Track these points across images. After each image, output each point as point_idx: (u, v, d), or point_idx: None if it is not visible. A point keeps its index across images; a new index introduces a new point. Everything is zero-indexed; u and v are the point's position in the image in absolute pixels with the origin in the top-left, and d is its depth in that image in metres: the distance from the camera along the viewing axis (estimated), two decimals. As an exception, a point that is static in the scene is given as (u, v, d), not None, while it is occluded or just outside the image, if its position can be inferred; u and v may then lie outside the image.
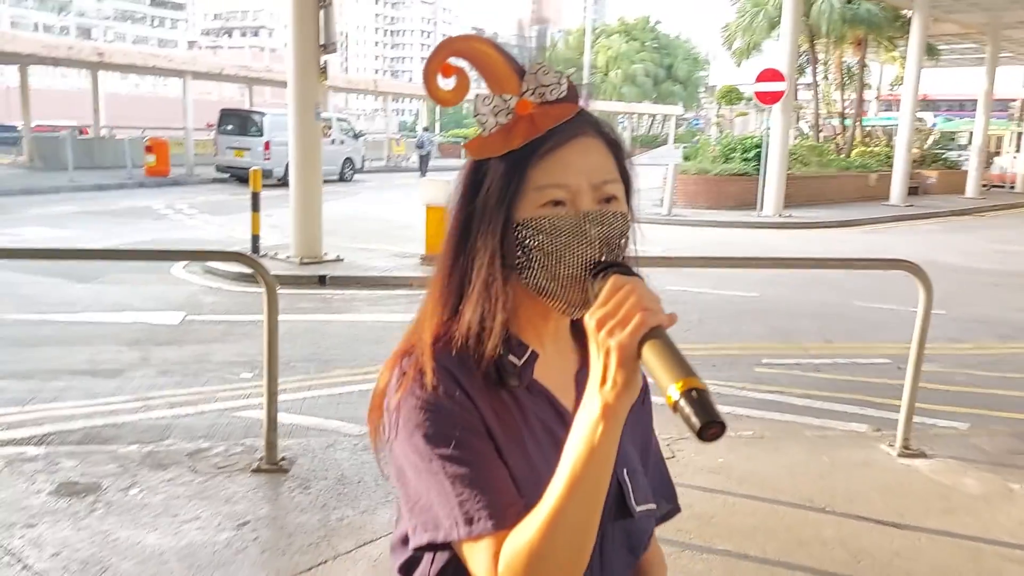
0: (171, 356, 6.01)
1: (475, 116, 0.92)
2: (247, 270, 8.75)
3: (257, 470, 3.84)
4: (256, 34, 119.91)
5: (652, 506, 1.00)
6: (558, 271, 0.89)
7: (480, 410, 0.89)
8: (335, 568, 3.02)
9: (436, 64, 0.92)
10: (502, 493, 0.85)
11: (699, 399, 0.72)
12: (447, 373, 0.89)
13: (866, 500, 3.76)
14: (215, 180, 21.56)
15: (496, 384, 0.91)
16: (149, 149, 21.10)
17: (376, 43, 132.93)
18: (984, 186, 25.54)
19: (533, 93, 0.91)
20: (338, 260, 9.78)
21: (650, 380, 0.79)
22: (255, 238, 9.89)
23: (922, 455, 4.30)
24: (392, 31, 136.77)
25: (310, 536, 3.24)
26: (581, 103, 0.94)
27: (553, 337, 0.98)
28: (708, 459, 4.16)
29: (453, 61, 0.93)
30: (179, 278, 9.03)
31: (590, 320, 0.79)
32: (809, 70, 25.91)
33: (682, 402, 0.72)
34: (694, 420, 0.71)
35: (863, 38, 24.80)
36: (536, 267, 0.90)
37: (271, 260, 9.30)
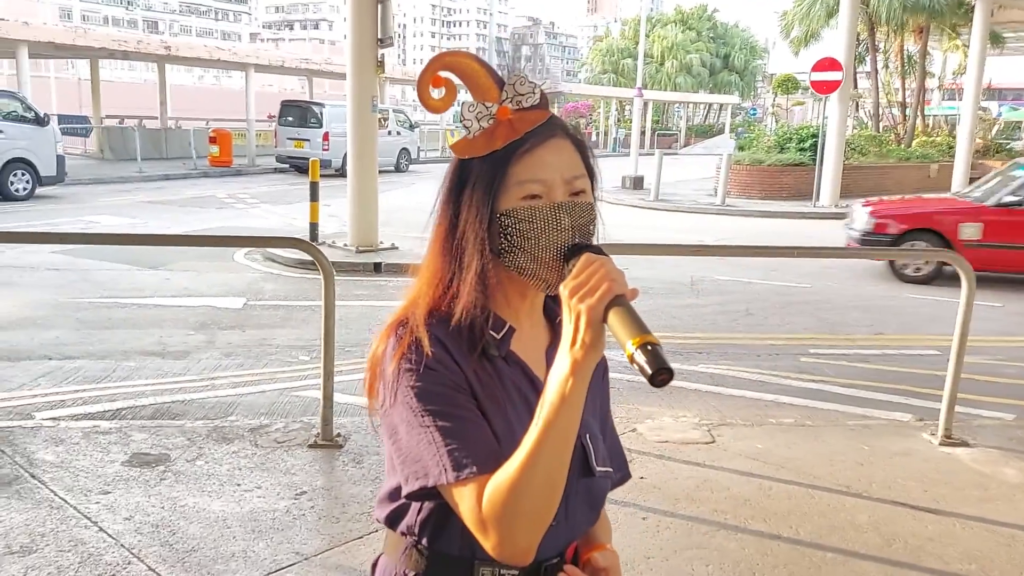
0: (235, 339, 6.31)
1: (461, 121, 1.06)
2: (306, 257, 9.07)
3: (314, 445, 4.07)
4: (316, 27, 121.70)
5: (609, 469, 1.15)
6: (537, 254, 1.03)
7: (466, 374, 1.02)
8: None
9: (428, 77, 1.07)
10: (484, 443, 0.98)
11: (652, 351, 0.87)
12: (437, 341, 1.02)
13: (903, 487, 3.82)
14: (276, 170, 22.11)
15: (478, 354, 1.05)
16: (213, 140, 21.73)
17: (432, 35, 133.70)
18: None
19: (511, 100, 1.05)
20: (393, 248, 10.04)
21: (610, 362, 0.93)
22: (313, 226, 10.20)
23: (964, 444, 4.32)
24: (448, 22, 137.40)
25: (362, 506, 3.45)
26: (552, 109, 1.08)
27: (528, 315, 1.12)
28: (747, 445, 4.26)
29: (443, 74, 1.07)
30: (241, 265, 9.39)
31: (564, 289, 0.93)
32: (868, 58, 25.34)
33: (637, 354, 0.87)
34: (647, 368, 0.86)
35: (925, 26, 24.14)
36: (517, 251, 1.03)
37: (329, 248, 9.60)
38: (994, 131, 28.11)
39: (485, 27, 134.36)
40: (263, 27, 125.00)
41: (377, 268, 9.32)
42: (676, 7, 61.13)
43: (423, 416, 1.00)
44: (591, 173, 1.09)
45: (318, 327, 6.59)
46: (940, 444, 4.34)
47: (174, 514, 3.33)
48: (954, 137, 22.56)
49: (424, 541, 1.08)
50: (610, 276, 0.92)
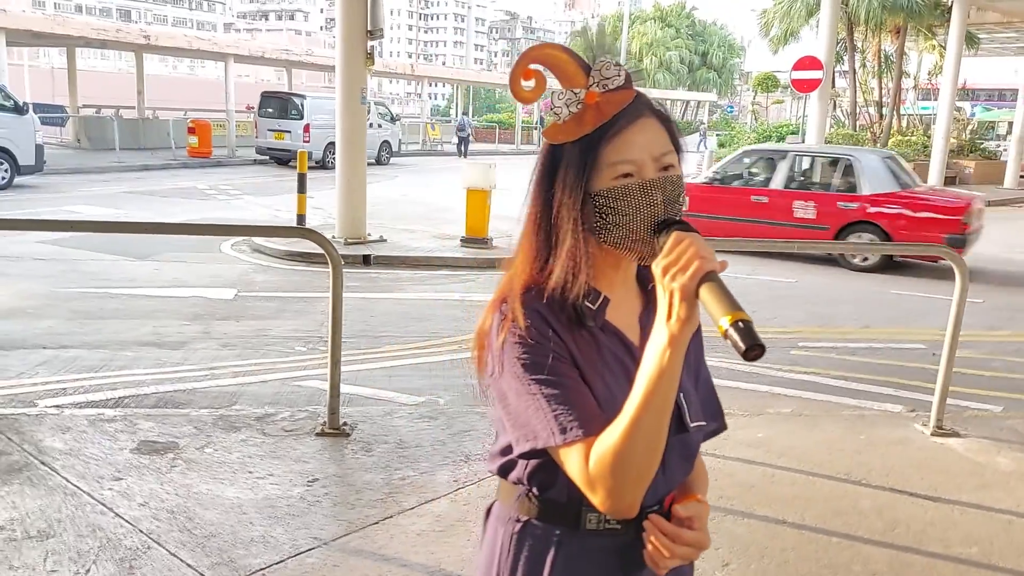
0: (230, 330, 6.30)
1: (551, 108, 1.11)
2: (295, 249, 9.08)
3: (321, 433, 4.09)
4: (292, 17, 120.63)
5: (703, 423, 1.22)
6: (632, 228, 1.08)
7: (566, 344, 1.09)
8: (401, 522, 3.26)
9: (520, 71, 1.13)
10: (588, 408, 1.06)
11: (745, 328, 0.93)
12: (538, 315, 1.09)
13: (901, 475, 3.93)
14: (256, 162, 21.96)
15: (576, 324, 1.11)
16: (192, 131, 21.52)
17: (410, 27, 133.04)
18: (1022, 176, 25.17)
19: (597, 84, 1.10)
20: (381, 240, 10.04)
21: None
22: (301, 218, 10.17)
23: (955, 435, 4.44)
24: (425, 15, 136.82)
25: (376, 493, 3.49)
26: (635, 87, 1.13)
27: (621, 284, 1.18)
28: (749, 434, 4.35)
29: (532, 66, 1.13)
30: (229, 256, 9.34)
31: (657, 268, 0.99)
32: (846, 58, 25.66)
33: (731, 330, 0.93)
34: (740, 344, 0.92)
35: (902, 26, 24.48)
36: (612, 227, 1.09)
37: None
38: (968, 131, 28.61)
39: (463, 20, 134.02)
40: (237, 17, 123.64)
41: (366, 260, 9.32)
42: (655, 4, 61.39)
43: (530, 384, 1.07)
44: (677, 146, 1.15)
45: (313, 319, 6.66)
46: (932, 434, 4.46)
47: (189, 500, 3.34)
48: (929, 136, 22.94)
49: (534, 490, 1.16)
50: (700, 254, 0.98)
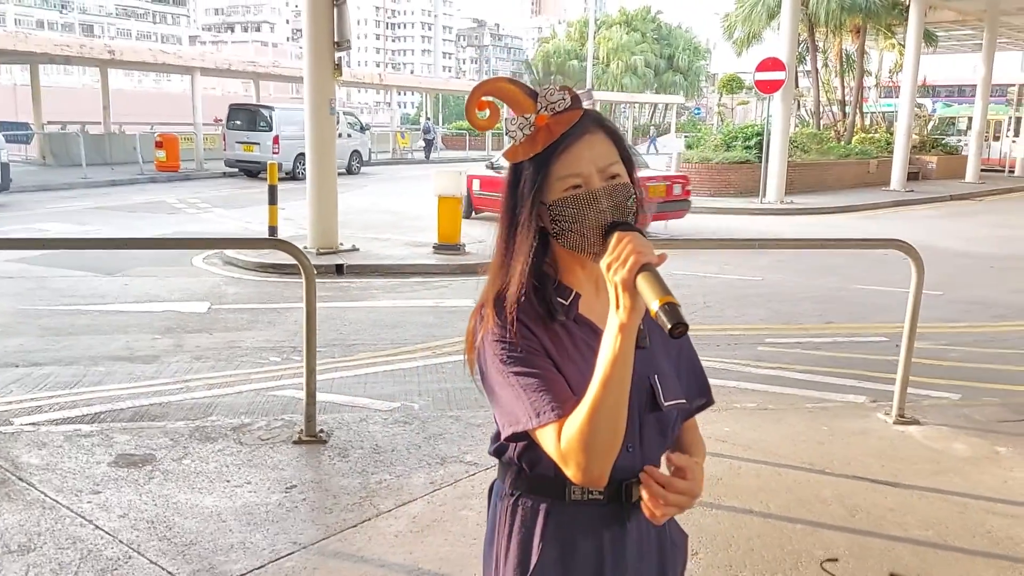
0: (203, 343, 6.32)
1: (507, 133, 1.25)
2: (266, 260, 9.11)
3: (298, 441, 4.15)
4: (258, 29, 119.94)
5: (681, 400, 1.33)
6: (584, 233, 1.22)
7: (539, 338, 1.23)
8: (379, 524, 3.33)
9: (473, 103, 1.29)
10: (560, 393, 1.19)
11: (671, 309, 1.05)
12: (512, 315, 1.22)
13: (862, 463, 4.07)
14: (224, 174, 21.85)
15: (550, 318, 1.25)
16: (159, 145, 21.37)
17: (377, 36, 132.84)
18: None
19: (545, 108, 1.24)
20: (354, 250, 10.08)
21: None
22: (272, 229, 10.19)
23: (915, 423, 4.60)
24: (392, 24, 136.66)
25: (353, 497, 3.55)
26: (585, 105, 1.26)
27: (591, 281, 1.30)
28: (716, 428, 4.47)
29: (485, 98, 1.28)
30: (200, 269, 9.34)
31: (602, 264, 1.13)
32: (809, 58, 26.10)
33: (660, 312, 1.06)
34: (667, 323, 1.05)
35: (862, 26, 24.97)
36: (568, 233, 1.23)
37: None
38: (930, 127, 29.21)
39: (430, 29, 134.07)
40: (203, 29, 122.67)
41: (339, 270, 9.35)
42: (620, 9, 61.94)
43: (509, 376, 1.21)
44: (625, 157, 1.28)
45: (285, 329, 6.70)
46: (894, 423, 4.61)
47: (168, 510, 3.39)
48: (892, 133, 23.40)
49: (525, 467, 1.31)
50: (636, 249, 1.10)
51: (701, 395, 1.43)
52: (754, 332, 6.93)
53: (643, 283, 1.08)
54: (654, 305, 1.06)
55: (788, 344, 6.55)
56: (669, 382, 1.32)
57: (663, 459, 1.31)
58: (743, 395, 5.21)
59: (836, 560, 3.15)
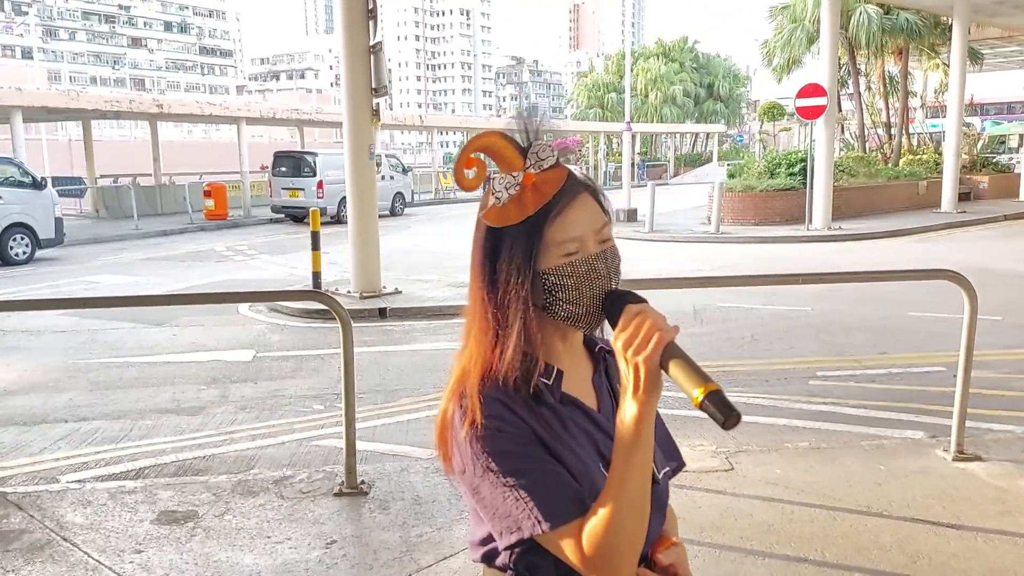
0: (247, 392, 6.36)
1: (492, 193, 1.13)
2: (312, 306, 9.18)
3: (339, 494, 4.11)
4: (303, 76, 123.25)
5: (668, 469, 1.25)
6: (581, 303, 1.11)
7: (531, 426, 1.10)
8: (419, 580, 3.26)
9: (463, 162, 1.16)
10: (566, 489, 1.07)
11: (718, 399, 0.97)
12: (498, 404, 1.10)
13: (922, 505, 3.88)
14: (271, 220, 22.28)
15: (536, 403, 1.13)
16: (207, 194, 21.91)
17: (418, 78, 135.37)
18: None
19: (534, 165, 1.13)
20: (396, 293, 10.13)
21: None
22: (316, 275, 10.29)
23: (977, 459, 4.39)
24: (433, 65, 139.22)
25: (393, 552, 3.49)
26: (568, 166, 1.16)
27: (570, 353, 1.20)
28: (766, 471, 4.32)
29: (474, 155, 1.16)
30: (247, 317, 9.46)
31: (617, 343, 1.03)
32: (851, 81, 25.78)
33: (706, 402, 0.97)
34: (719, 416, 0.97)
35: (904, 47, 24.63)
36: (563, 303, 1.12)
37: (332, 295, 9.68)
38: (979, 146, 28.55)
39: (470, 68, 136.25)
40: (249, 79, 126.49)
41: (382, 313, 9.40)
42: (658, 40, 62.09)
43: (504, 476, 1.08)
44: (608, 216, 1.18)
45: (329, 376, 6.71)
46: (954, 460, 4.40)
47: (208, 570, 3.36)
48: (940, 154, 22.89)
49: (524, 573, 1.16)
50: (657, 326, 1.02)
51: (674, 459, 1.32)
52: (804, 366, 6.73)
53: (676, 370, 1.00)
54: (696, 394, 0.97)
55: (841, 377, 6.35)
56: (657, 452, 1.22)
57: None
58: (794, 434, 5.04)
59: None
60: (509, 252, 1.12)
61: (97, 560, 3.44)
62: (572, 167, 1.19)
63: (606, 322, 1.13)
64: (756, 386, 6.09)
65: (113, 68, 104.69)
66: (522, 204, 1.12)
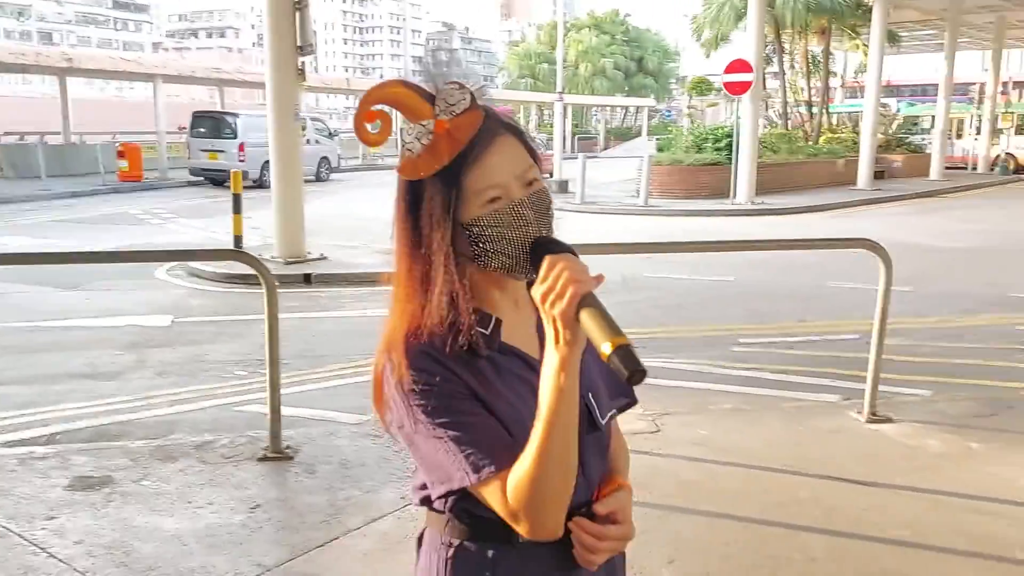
0: (166, 357, 6.15)
1: (403, 145, 1.07)
2: (232, 271, 8.93)
3: (263, 458, 4.02)
4: (223, 35, 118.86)
5: (614, 411, 1.23)
6: (509, 252, 1.07)
7: (463, 379, 1.07)
8: (347, 543, 3.22)
9: (362, 115, 1.10)
10: (496, 441, 1.06)
11: (625, 354, 0.93)
12: (427, 357, 1.07)
13: (838, 463, 4.03)
14: (189, 183, 21.52)
15: (471, 354, 1.09)
16: (121, 154, 20.98)
17: (345, 40, 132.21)
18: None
19: (444, 112, 1.07)
20: (322, 259, 9.93)
21: None
22: (237, 239, 10.00)
23: (888, 420, 4.58)
24: (361, 28, 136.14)
25: (320, 515, 3.44)
26: (481, 104, 1.09)
27: (511, 302, 1.16)
28: (691, 432, 4.42)
29: (375, 107, 1.09)
30: (164, 281, 9.14)
31: (536, 294, 0.99)
32: (776, 59, 26.31)
33: (613, 356, 0.93)
34: (623, 370, 0.93)
35: (827, 27, 25.24)
36: (490, 254, 1.08)
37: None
38: (894, 126, 29.58)
39: (399, 33, 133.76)
40: (166, 36, 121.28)
41: (307, 279, 9.21)
42: (589, 12, 62.12)
43: (435, 428, 1.07)
44: (535, 156, 1.14)
45: (251, 342, 6.55)
46: (867, 421, 4.59)
47: (126, 535, 3.25)
48: (858, 133, 23.65)
49: (461, 515, 1.15)
50: (574, 277, 0.97)
51: (624, 395, 1.28)
52: (729, 332, 6.90)
53: (588, 320, 0.95)
54: (605, 348, 0.93)
55: (762, 344, 6.53)
56: (602, 395, 1.20)
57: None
58: (718, 397, 5.16)
59: None
60: (429, 204, 1.08)
61: (5, 527, 3.29)
62: (490, 107, 1.13)
63: None
64: (683, 351, 6.21)
65: (18, 20, 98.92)
66: (436, 153, 1.06)
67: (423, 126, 1.07)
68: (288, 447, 4.13)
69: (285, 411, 4.33)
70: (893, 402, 4.93)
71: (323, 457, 4.06)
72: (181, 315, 7.56)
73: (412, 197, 1.10)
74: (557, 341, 0.98)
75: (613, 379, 1.24)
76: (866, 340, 5.37)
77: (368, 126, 1.11)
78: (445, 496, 1.11)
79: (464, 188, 1.07)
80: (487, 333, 1.12)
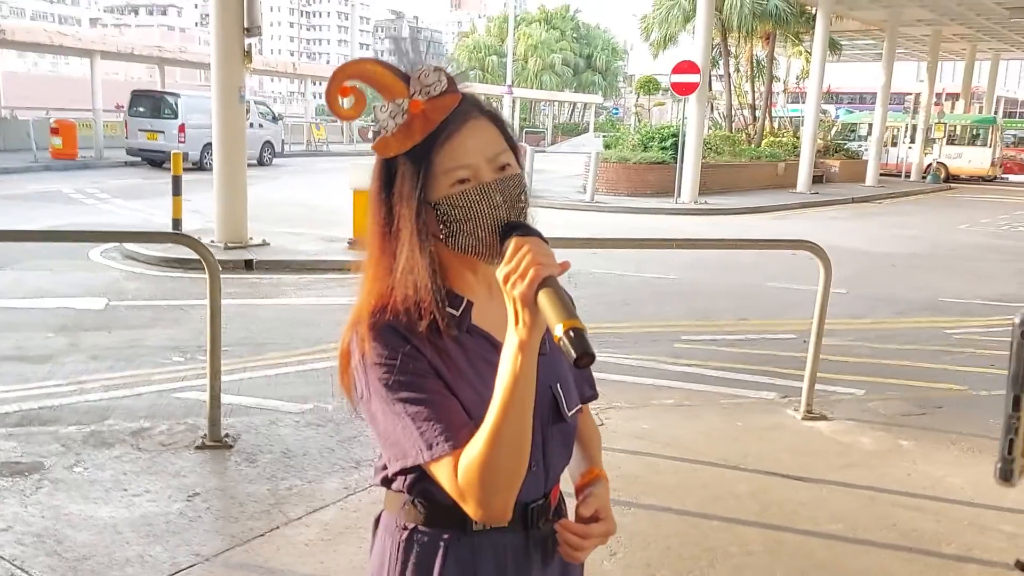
0: (101, 341, 5.97)
1: (376, 124, 1.09)
2: (170, 255, 8.71)
3: (201, 446, 3.94)
4: (164, 12, 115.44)
5: (579, 406, 1.25)
6: (478, 234, 1.07)
7: (427, 357, 1.08)
8: (288, 532, 3.18)
9: (334, 89, 1.10)
10: (453, 420, 1.05)
11: (576, 337, 0.94)
12: (392, 333, 1.07)
13: (775, 459, 4.14)
14: (126, 163, 20.89)
15: (437, 334, 1.10)
16: (55, 131, 20.22)
17: (291, 24, 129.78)
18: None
19: (420, 93, 1.08)
20: (264, 245, 9.75)
21: None
22: (176, 222, 9.75)
23: (823, 418, 4.71)
24: (307, 12, 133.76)
25: (261, 504, 3.39)
26: (461, 89, 1.11)
27: (485, 285, 1.16)
28: (634, 426, 4.47)
29: (348, 83, 1.10)
30: (98, 263, 8.86)
31: (499, 275, 0.99)
32: (722, 62, 26.76)
33: (563, 339, 0.94)
34: (572, 352, 0.93)
35: (771, 33, 25.76)
36: (459, 235, 1.08)
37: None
38: (833, 132, 30.38)
39: (347, 19, 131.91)
40: (104, 11, 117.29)
41: (248, 265, 9.02)
42: (540, 6, 62.18)
43: (394, 404, 1.07)
44: (512, 144, 1.14)
45: (190, 327, 6.41)
46: (803, 418, 4.72)
47: (58, 523, 3.15)
48: (799, 137, 24.20)
49: (418, 498, 1.16)
50: (537, 260, 0.97)
51: (590, 387, 1.31)
52: (671, 329, 7.01)
53: (545, 301, 0.96)
54: (557, 330, 0.94)
55: (704, 341, 6.65)
56: (569, 387, 1.21)
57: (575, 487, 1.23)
58: (660, 392, 5.24)
59: None
60: (399, 182, 1.09)
61: (-73, 514, 3.15)
62: (472, 93, 1.14)
63: None
64: (626, 347, 6.28)
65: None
66: (409, 131, 1.08)
67: (397, 105, 1.08)
68: (228, 435, 4.05)
69: (225, 399, 4.25)
70: (828, 400, 5.07)
71: (264, 446, 3.99)
72: (116, 298, 7.33)
73: (386, 176, 1.11)
74: (516, 323, 0.98)
75: (580, 374, 1.25)
76: (803, 339, 5.53)
77: (342, 100, 1.11)
78: (403, 474, 1.11)
79: (433, 166, 1.07)
80: (457, 314, 1.12)
